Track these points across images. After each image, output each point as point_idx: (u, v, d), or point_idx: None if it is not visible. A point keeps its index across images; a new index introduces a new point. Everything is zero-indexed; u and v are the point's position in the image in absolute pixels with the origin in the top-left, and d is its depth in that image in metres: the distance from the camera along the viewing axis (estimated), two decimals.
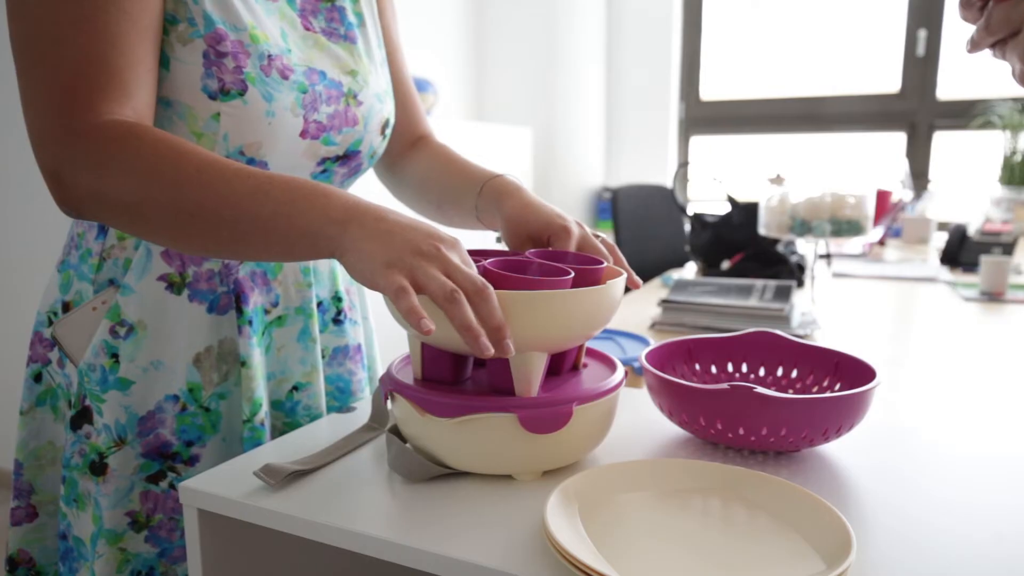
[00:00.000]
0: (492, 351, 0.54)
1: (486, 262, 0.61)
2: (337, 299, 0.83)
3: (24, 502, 0.77)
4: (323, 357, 0.83)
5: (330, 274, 0.83)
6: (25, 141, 2.08)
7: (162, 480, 0.72)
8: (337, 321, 0.83)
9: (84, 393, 0.71)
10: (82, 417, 0.71)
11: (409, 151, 0.92)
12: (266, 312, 0.76)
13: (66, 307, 0.74)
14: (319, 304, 0.81)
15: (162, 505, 0.73)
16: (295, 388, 0.79)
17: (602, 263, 0.65)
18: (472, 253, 0.69)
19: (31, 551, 0.78)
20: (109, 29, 0.61)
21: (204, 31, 0.66)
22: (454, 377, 0.63)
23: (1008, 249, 2.19)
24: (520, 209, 0.74)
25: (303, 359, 0.79)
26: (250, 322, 0.73)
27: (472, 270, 0.56)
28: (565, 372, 0.67)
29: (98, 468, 0.71)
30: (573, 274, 0.60)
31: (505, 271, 0.61)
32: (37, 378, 0.76)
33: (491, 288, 0.55)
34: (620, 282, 0.62)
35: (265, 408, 0.75)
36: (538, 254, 0.67)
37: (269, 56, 0.69)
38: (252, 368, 0.73)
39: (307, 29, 0.75)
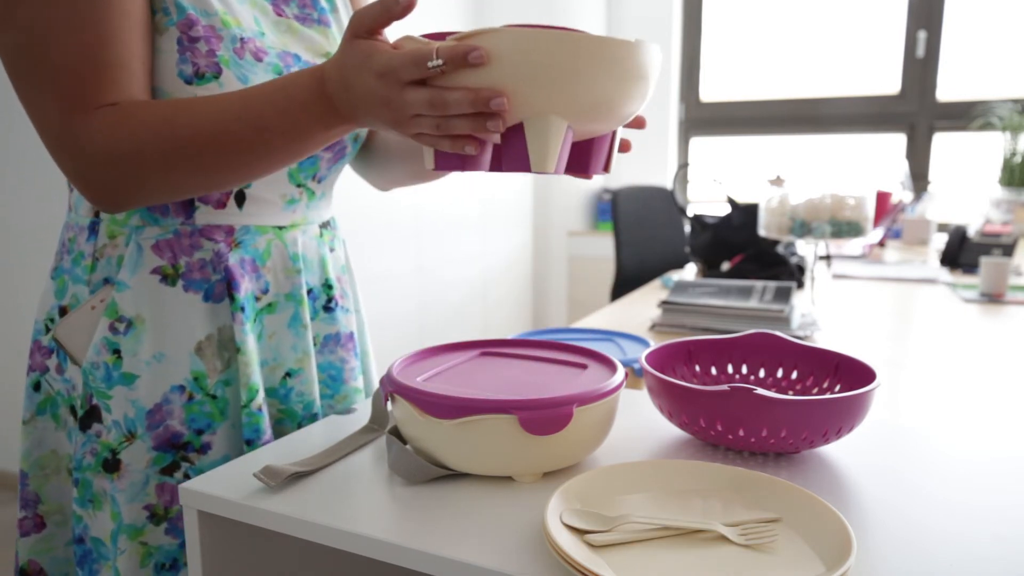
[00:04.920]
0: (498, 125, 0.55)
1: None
2: (327, 287, 0.84)
3: (31, 512, 0.77)
4: (314, 345, 0.83)
5: (319, 261, 0.83)
6: (23, 148, 2.09)
7: (176, 471, 0.73)
8: (328, 308, 0.84)
9: (90, 392, 0.71)
10: (90, 417, 0.72)
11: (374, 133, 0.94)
12: (257, 299, 0.77)
13: (63, 311, 0.74)
14: (309, 291, 0.82)
15: (179, 496, 0.73)
16: (288, 375, 0.79)
17: None
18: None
19: (41, 562, 0.78)
20: (102, 26, 0.62)
21: (177, 18, 0.67)
22: (470, 162, 0.61)
23: (1008, 250, 2.19)
24: None
25: (295, 345, 0.79)
26: (242, 308, 0.74)
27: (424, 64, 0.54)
28: (595, 169, 0.62)
29: (111, 465, 0.71)
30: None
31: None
32: (36, 387, 0.76)
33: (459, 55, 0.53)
34: (653, 49, 0.56)
35: (261, 394, 0.76)
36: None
37: (242, 39, 0.70)
38: (247, 354, 0.74)
39: (279, 15, 0.77)
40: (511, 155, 0.57)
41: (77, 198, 0.76)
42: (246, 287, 0.75)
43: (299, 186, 0.79)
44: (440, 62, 0.53)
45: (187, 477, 0.73)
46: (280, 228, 0.78)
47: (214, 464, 0.74)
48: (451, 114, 0.55)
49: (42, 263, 2.24)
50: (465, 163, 0.61)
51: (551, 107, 0.54)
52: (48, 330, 0.75)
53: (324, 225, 0.85)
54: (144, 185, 0.64)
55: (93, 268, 0.73)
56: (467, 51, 0.53)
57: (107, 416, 0.71)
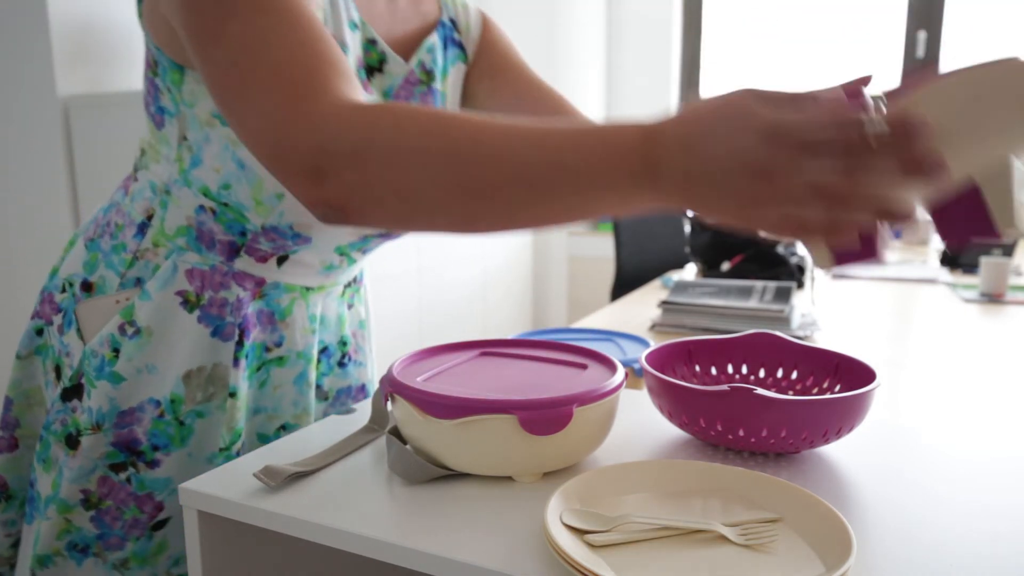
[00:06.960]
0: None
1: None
2: (343, 343, 0.87)
3: (8, 433, 0.81)
4: (327, 398, 0.87)
5: (337, 320, 0.86)
6: (24, 145, 2.09)
7: (122, 472, 0.75)
8: (342, 364, 0.87)
9: (83, 372, 0.74)
10: (74, 392, 0.74)
11: None
12: (267, 350, 0.79)
13: (86, 285, 0.76)
14: (324, 349, 0.85)
15: (115, 493, 0.75)
16: (283, 427, 0.82)
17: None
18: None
19: (7, 477, 0.82)
20: (315, 24, 0.59)
21: None
22: (874, 251, 0.47)
23: (1008, 250, 2.19)
24: None
25: (296, 401, 0.82)
26: (246, 356, 0.76)
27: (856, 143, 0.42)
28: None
29: (72, 442, 0.74)
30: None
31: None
32: (39, 332, 0.79)
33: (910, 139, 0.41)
34: None
35: (243, 439, 0.78)
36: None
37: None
38: (240, 400, 0.76)
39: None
40: (956, 223, 0.45)
41: (138, 188, 0.76)
42: (255, 337, 0.77)
43: (342, 255, 0.80)
44: (883, 127, 0.40)
45: (128, 482, 0.75)
46: (307, 289, 0.80)
47: (155, 480, 0.75)
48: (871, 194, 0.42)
49: (41, 262, 2.24)
50: (871, 257, 0.47)
51: (1008, 148, 0.43)
52: (64, 289, 0.77)
53: (349, 284, 0.87)
54: (389, 189, 0.53)
55: (131, 265, 0.75)
56: (916, 125, 0.41)
57: (86, 400, 0.74)
